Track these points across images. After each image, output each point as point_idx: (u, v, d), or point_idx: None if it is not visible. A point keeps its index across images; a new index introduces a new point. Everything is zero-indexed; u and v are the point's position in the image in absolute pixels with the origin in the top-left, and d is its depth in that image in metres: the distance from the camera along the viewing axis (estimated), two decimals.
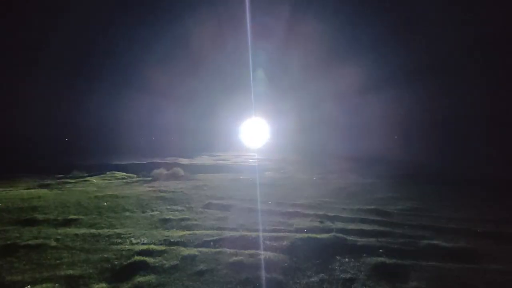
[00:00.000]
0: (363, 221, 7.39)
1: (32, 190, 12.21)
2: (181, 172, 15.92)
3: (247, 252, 5.61)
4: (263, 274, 4.81)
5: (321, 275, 4.80)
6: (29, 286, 4.41)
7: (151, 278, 4.74)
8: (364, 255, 5.46)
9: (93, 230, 7.00)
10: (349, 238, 6.16)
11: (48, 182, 14.21)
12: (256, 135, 28.30)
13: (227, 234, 6.54)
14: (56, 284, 4.48)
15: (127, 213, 8.39)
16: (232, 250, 5.72)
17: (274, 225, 7.17)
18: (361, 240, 6.06)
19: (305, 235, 6.39)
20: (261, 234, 6.52)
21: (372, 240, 6.07)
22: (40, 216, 8.10)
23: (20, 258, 5.51)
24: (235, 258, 5.35)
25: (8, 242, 6.16)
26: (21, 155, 22.66)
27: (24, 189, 12.54)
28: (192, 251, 5.71)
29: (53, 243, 6.14)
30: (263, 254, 5.49)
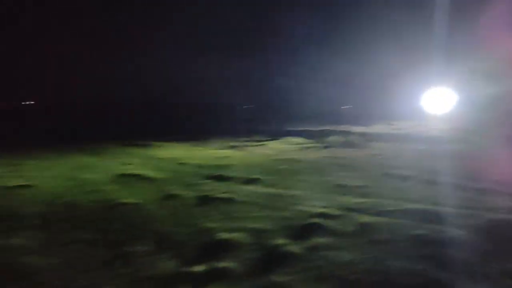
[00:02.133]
0: None
1: (221, 151, 13.65)
2: (356, 139, 15.69)
3: (429, 226, 5.22)
4: (448, 252, 4.41)
5: None
6: (222, 233, 4.94)
7: (328, 240, 4.80)
8: None
9: (273, 190, 7.45)
10: None
11: (234, 144, 15.69)
12: (439, 103, 25.85)
13: (406, 205, 6.19)
14: (245, 235, 4.92)
15: (304, 177, 8.68)
16: (412, 223, 5.38)
17: (461, 201, 6.48)
18: None
19: (501, 216, 5.61)
20: (445, 209, 5.98)
21: None
22: (228, 174, 9.01)
23: (213, 208, 6.23)
24: (415, 232, 5.03)
25: (204, 194, 7.02)
26: (211, 118, 25.54)
27: (215, 149, 14.11)
28: (369, 219, 5.58)
29: (240, 199, 6.76)
30: (448, 231, 5.02)
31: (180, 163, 10.81)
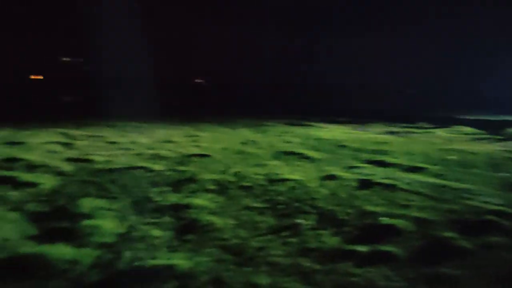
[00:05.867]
0: None
1: (381, 136, 13.29)
2: None
3: None
4: None
5: None
6: (384, 218, 4.90)
7: (503, 240, 4.38)
8: None
9: (439, 181, 7.01)
10: None
11: (395, 129, 15.10)
12: None
13: None
14: (409, 223, 4.80)
15: (476, 170, 7.94)
16: None
17: None
18: None
19: None
20: None
21: None
22: (389, 160, 8.76)
23: (374, 193, 6.18)
24: None
25: (365, 178, 6.99)
26: (371, 102, 24.90)
27: (375, 134, 13.80)
28: None
29: (402, 186, 6.54)
30: None
31: (339, 145, 10.89)
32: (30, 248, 3.98)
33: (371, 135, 13.60)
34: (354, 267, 3.78)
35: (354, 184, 6.68)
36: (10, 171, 6.92)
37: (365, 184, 6.65)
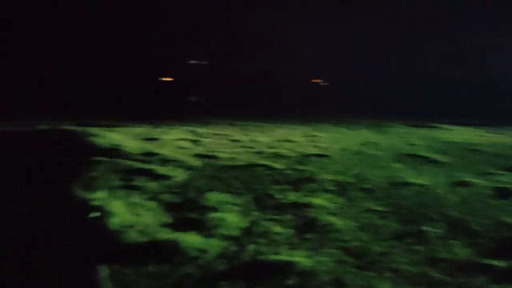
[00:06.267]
0: None
1: None
2: None
3: None
4: None
5: None
6: None
7: None
8: None
9: None
10: None
11: None
12: None
13: None
14: None
15: None
16: None
17: None
18: None
19: None
20: None
21: None
22: None
23: None
24: None
25: (503, 186, 6.31)
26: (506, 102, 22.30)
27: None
28: None
29: None
30: None
31: (471, 149, 9.99)
32: (166, 234, 4.38)
33: (510, 139, 12.21)
34: (490, 282, 3.43)
35: (489, 192, 6.08)
36: (148, 164, 7.68)
37: (504, 193, 6.01)
